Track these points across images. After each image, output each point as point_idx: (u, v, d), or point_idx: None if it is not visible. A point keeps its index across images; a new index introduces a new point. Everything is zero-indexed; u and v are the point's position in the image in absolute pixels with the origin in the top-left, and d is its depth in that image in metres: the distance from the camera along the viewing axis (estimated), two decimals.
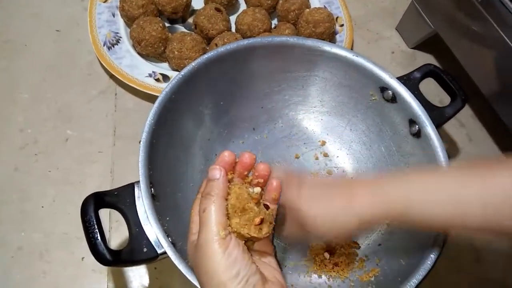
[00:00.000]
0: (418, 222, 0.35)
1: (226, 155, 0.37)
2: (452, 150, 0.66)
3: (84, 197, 0.56)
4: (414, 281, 0.40)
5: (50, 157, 0.59)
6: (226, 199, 0.35)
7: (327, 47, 0.52)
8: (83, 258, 0.52)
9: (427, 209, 0.34)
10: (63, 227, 0.54)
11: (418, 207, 0.34)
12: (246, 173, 0.39)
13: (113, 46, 0.65)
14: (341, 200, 0.38)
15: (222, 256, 0.31)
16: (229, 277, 0.31)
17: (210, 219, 0.33)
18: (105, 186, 0.57)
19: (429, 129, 0.48)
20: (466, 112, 0.69)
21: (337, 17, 0.71)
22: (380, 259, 0.49)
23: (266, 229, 0.35)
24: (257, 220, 0.34)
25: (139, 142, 0.44)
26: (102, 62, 0.63)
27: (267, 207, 0.37)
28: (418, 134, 0.49)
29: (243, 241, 0.34)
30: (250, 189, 0.36)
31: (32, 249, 0.52)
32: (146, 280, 0.52)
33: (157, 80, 0.63)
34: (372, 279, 0.47)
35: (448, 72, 0.53)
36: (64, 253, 0.52)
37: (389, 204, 0.36)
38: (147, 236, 0.40)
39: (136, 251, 0.40)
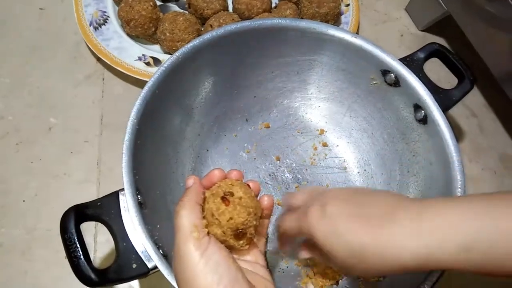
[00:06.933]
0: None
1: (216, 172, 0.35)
2: (461, 141, 0.62)
3: (69, 190, 0.52)
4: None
5: (32, 147, 0.55)
6: (202, 205, 0.33)
7: (323, 28, 0.48)
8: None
9: None
10: (46, 223, 0.50)
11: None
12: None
13: (100, 27, 0.60)
14: (405, 220, 0.29)
15: (200, 259, 0.28)
16: (210, 282, 0.28)
17: (182, 222, 0.30)
18: (92, 178, 0.53)
19: (436, 114, 0.44)
20: (479, 101, 0.65)
21: None
22: None
23: (244, 241, 0.33)
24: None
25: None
26: (88, 44, 0.58)
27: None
28: (424, 120, 0.46)
29: None
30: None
31: (13, 247, 0.49)
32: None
33: (148, 64, 0.58)
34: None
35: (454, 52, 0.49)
36: (47, 251, 0.49)
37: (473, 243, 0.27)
38: (136, 250, 0.37)
39: (125, 267, 0.37)
